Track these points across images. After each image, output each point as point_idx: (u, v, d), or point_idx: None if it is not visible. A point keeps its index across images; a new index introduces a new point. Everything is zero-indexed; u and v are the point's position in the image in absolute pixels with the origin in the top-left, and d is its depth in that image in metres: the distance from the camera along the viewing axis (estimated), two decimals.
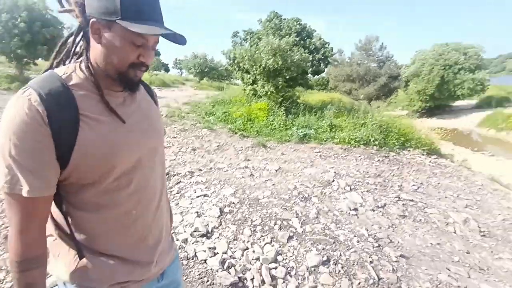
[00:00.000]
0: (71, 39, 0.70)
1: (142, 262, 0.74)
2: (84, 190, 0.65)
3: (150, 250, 0.76)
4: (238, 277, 1.88)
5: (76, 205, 0.66)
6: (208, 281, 1.85)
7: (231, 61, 8.74)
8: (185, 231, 2.36)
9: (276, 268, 1.99)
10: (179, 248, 2.14)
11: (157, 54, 37.64)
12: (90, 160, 0.62)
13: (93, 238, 0.68)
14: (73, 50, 0.70)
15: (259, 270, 1.95)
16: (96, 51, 0.64)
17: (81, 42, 0.69)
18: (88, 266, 0.68)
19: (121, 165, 0.66)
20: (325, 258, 2.12)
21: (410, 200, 3.40)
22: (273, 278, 1.91)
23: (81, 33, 0.68)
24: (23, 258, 0.61)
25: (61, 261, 0.69)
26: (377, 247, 2.37)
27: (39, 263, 0.64)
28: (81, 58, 0.68)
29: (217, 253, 2.11)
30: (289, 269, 2.01)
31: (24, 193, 0.57)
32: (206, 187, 3.29)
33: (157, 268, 0.78)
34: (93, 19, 0.61)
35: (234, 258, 2.08)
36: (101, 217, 0.67)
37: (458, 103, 17.94)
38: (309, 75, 9.96)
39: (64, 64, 0.70)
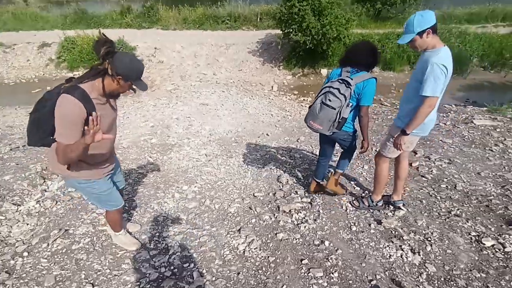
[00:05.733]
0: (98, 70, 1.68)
1: (110, 165, 2.02)
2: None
3: (111, 160, 2.04)
4: None
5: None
6: None
7: None
8: None
9: None
10: None
11: None
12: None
13: (91, 158, 1.82)
14: (94, 76, 1.68)
15: None
16: (110, 84, 1.68)
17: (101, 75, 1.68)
18: (88, 170, 1.86)
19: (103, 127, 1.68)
20: None
21: None
22: None
23: (102, 73, 1.66)
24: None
25: (76, 169, 1.82)
26: None
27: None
28: (95, 81, 1.67)
29: None
30: None
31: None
32: None
33: (113, 164, 2.08)
34: (120, 76, 1.63)
35: None
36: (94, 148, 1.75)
37: None
38: None
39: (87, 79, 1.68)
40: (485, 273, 2.15)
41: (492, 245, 2.37)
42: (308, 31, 8.79)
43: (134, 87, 1.72)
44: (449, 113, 5.69)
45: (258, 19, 12.52)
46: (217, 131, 5.84)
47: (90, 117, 1.48)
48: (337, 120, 2.43)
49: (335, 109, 2.38)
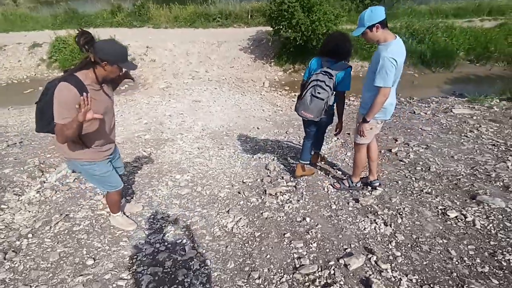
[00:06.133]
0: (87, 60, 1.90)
1: (110, 149, 2.28)
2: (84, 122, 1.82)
3: (111, 145, 2.29)
4: None
5: (84, 127, 1.90)
6: None
7: None
8: None
9: None
10: None
11: None
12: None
13: (90, 140, 2.07)
14: (85, 66, 1.90)
15: None
16: (100, 71, 1.90)
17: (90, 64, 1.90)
18: (89, 153, 2.12)
19: (98, 111, 1.89)
20: None
21: None
22: None
23: (93, 62, 1.87)
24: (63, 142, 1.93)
25: (78, 152, 2.08)
26: None
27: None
28: (88, 70, 1.90)
29: None
30: None
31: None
32: None
33: (112, 149, 2.32)
34: (105, 62, 1.85)
35: None
36: (94, 130, 2.05)
37: None
38: None
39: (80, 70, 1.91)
40: (446, 239, 2.42)
41: (456, 216, 2.65)
42: (298, 28, 9.05)
43: (123, 69, 1.96)
44: (431, 104, 5.99)
45: (249, 16, 12.75)
46: (209, 126, 6.08)
47: (81, 97, 1.69)
48: (325, 108, 2.78)
49: (323, 99, 2.72)
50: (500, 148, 3.87)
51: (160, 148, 4.63)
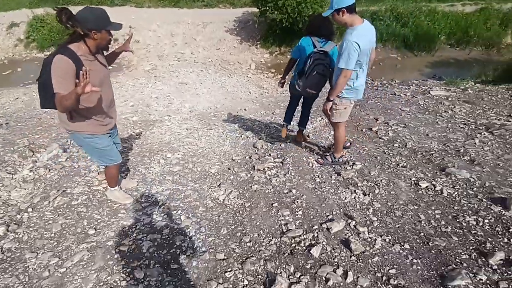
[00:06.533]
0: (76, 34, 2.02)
1: (110, 123, 2.43)
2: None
3: (112, 118, 2.45)
4: None
5: (82, 99, 2.02)
6: None
7: None
8: None
9: None
10: None
11: None
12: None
13: (91, 112, 2.23)
14: (76, 39, 2.02)
15: None
16: (91, 42, 2.05)
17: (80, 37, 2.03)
18: (91, 126, 2.28)
19: (94, 82, 1.98)
20: None
21: None
22: None
23: (82, 34, 1.99)
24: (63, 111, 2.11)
25: (81, 125, 2.24)
26: None
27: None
28: (80, 42, 2.04)
29: None
30: None
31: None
32: None
33: (113, 124, 2.48)
34: (93, 31, 1.99)
35: None
36: (94, 101, 2.20)
37: None
38: None
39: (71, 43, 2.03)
40: (417, 205, 2.74)
41: (426, 186, 2.97)
42: (284, 9, 9.11)
43: (111, 31, 2.09)
44: (411, 86, 6.32)
45: None
46: (197, 108, 6.21)
47: (81, 72, 1.78)
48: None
49: (326, 76, 3.10)
50: (471, 127, 4.23)
51: (149, 129, 4.75)
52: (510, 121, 4.36)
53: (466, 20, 11.00)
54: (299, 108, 3.87)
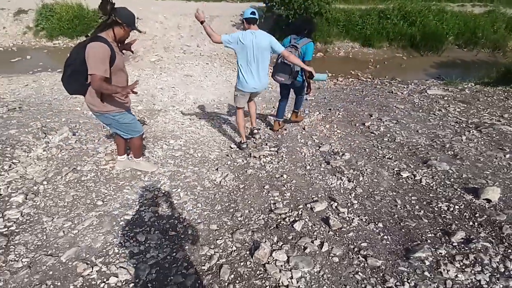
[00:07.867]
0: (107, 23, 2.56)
1: (129, 102, 2.97)
2: (113, 75, 2.59)
3: (129, 98, 2.94)
4: None
5: (112, 80, 2.60)
6: None
7: None
8: None
9: None
10: None
11: None
12: (115, 65, 2.56)
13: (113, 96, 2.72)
14: (105, 28, 2.56)
15: None
16: (119, 31, 2.59)
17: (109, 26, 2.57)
18: (118, 105, 2.80)
19: (119, 66, 2.63)
20: None
21: None
22: None
23: (112, 24, 2.55)
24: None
25: (110, 106, 2.75)
26: None
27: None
28: (108, 31, 2.56)
29: None
30: None
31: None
32: None
33: (130, 102, 3.03)
34: (125, 24, 2.57)
35: None
36: (123, 84, 2.75)
37: None
38: None
39: (101, 32, 2.57)
40: (396, 192, 3.06)
41: (407, 176, 3.29)
42: (291, 5, 9.42)
43: (135, 30, 2.66)
44: (409, 85, 6.61)
45: None
46: (201, 100, 6.56)
47: (132, 84, 2.55)
48: (293, 72, 3.77)
49: (290, 65, 3.70)
50: (461, 125, 4.53)
51: (153, 118, 5.12)
52: (501, 121, 4.64)
53: (475, 21, 11.17)
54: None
